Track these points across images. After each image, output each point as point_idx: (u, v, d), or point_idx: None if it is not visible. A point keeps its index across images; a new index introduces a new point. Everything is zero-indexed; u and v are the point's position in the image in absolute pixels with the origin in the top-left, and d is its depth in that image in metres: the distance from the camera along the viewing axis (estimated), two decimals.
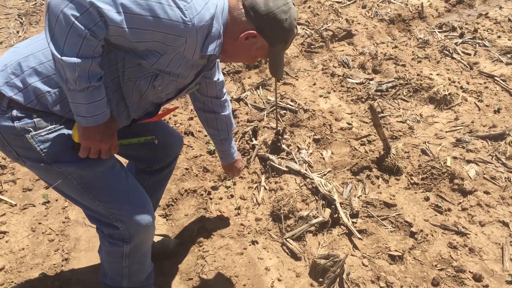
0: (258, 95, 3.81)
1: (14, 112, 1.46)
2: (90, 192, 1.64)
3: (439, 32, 4.80)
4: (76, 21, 1.23)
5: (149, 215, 1.77)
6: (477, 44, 4.47)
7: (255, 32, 1.54)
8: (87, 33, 1.25)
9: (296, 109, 3.52)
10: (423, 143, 3.17)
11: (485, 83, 3.86)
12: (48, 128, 1.51)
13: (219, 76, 1.99)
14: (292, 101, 3.65)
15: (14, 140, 1.51)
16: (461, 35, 4.65)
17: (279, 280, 2.31)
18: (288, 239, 2.49)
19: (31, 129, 1.49)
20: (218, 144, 2.29)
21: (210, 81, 1.96)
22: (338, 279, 2.21)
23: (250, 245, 2.52)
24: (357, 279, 2.25)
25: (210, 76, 1.94)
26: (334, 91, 3.90)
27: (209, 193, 2.85)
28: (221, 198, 2.83)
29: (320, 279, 2.27)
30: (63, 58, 1.28)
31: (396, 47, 4.57)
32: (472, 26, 4.85)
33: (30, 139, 1.49)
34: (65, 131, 1.55)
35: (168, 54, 1.43)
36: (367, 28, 4.97)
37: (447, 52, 4.34)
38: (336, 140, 3.27)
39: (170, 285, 2.31)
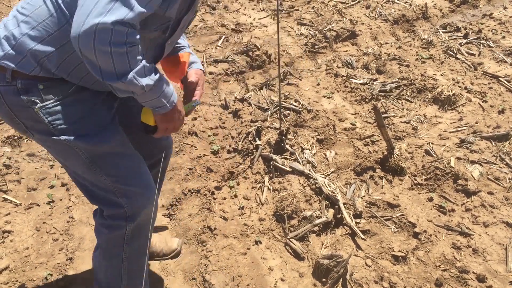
0: (262, 95, 3.81)
1: (19, 84, 1.45)
2: (98, 166, 1.63)
3: (443, 32, 4.79)
4: (112, 46, 1.27)
5: (154, 194, 1.78)
6: (481, 45, 4.46)
7: None
8: (126, 48, 1.29)
9: (300, 109, 3.52)
10: (427, 143, 3.17)
11: (489, 83, 3.85)
12: (55, 99, 1.50)
13: None
14: (295, 101, 3.65)
15: (21, 112, 1.50)
16: (465, 36, 4.64)
17: (282, 280, 2.32)
18: (291, 239, 2.50)
19: (38, 101, 1.48)
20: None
21: None
22: (341, 279, 2.22)
23: (253, 245, 2.52)
24: (360, 279, 2.25)
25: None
26: (338, 91, 3.90)
27: (213, 193, 2.86)
28: (224, 198, 2.83)
29: (323, 279, 2.27)
30: (123, 81, 1.33)
31: (400, 47, 4.56)
32: (477, 26, 4.83)
33: (37, 111, 1.48)
34: (74, 102, 1.54)
35: None
36: (371, 29, 4.97)
37: (451, 53, 4.33)
38: (339, 140, 3.26)
39: (174, 284, 2.31)
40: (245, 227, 2.62)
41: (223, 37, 4.76)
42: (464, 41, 4.54)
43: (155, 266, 2.42)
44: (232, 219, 2.68)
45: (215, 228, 2.60)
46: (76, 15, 1.26)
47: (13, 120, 1.55)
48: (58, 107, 1.51)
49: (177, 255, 2.46)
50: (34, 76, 1.46)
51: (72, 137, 1.54)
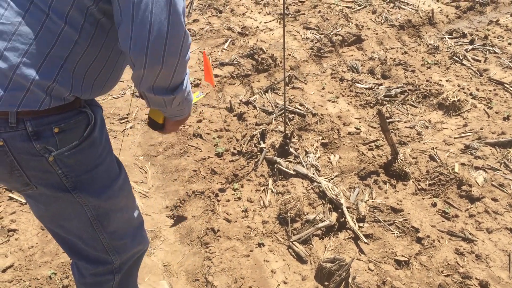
0: (267, 98, 3.83)
1: (30, 126, 1.20)
2: (101, 224, 1.48)
3: (449, 38, 4.79)
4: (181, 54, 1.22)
5: (145, 240, 1.72)
6: (487, 51, 4.46)
7: None
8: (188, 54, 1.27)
9: (305, 113, 3.53)
10: (431, 149, 3.17)
11: (494, 90, 3.84)
12: (71, 145, 1.29)
13: None
14: (300, 105, 3.66)
15: (29, 161, 1.26)
16: (471, 42, 4.63)
17: (285, 283, 2.32)
18: (294, 242, 2.50)
19: (53, 148, 1.26)
20: None
21: None
22: (343, 283, 2.22)
23: (256, 247, 2.53)
24: (362, 283, 2.25)
25: None
26: (343, 95, 3.91)
27: (217, 195, 2.87)
28: (228, 200, 2.84)
29: (326, 283, 2.27)
30: (174, 94, 1.31)
31: (405, 52, 4.57)
32: (483, 32, 4.83)
33: (51, 161, 1.26)
34: (89, 146, 1.35)
35: None
36: (376, 34, 4.98)
37: (457, 59, 4.33)
38: (344, 144, 3.27)
39: (177, 285, 2.32)
40: (248, 230, 2.63)
41: (229, 40, 4.78)
42: (470, 47, 4.54)
43: (158, 266, 2.43)
44: (236, 221, 2.69)
45: (218, 230, 2.61)
46: (134, 26, 1.13)
47: (13, 173, 1.28)
48: (74, 155, 1.31)
49: None
50: (45, 111, 1.22)
51: (85, 192, 1.38)
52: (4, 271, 2.40)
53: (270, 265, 2.42)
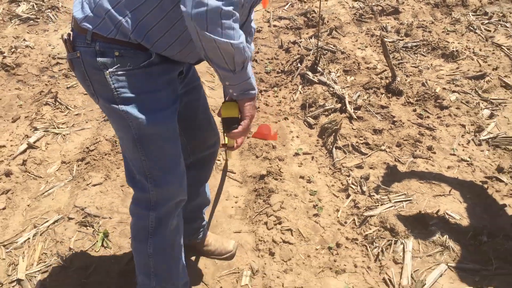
0: (310, 42, 5.02)
1: (98, 46, 1.49)
2: (142, 146, 1.63)
3: (472, 15, 5.72)
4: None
5: (184, 191, 1.81)
6: (499, 25, 5.35)
7: None
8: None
9: (336, 51, 4.68)
10: (425, 80, 4.21)
11: (493, 50, 4.78)
12: (127, 68, 1.53)
13: None
14: (334, 46, 4.81)
15: (94, 74, 1.54)
16: (490, 18, 5.54)
17: (297, 137, 3.52)
18: (308, 117, 3.69)
19: (110, 65, 1.51)
20: None
21: None
22: (333, 134, 3.38)
23: (283, 120, 3.74)
24: (345, 134, 3.41)
25: None
26: (371, 46, 5.01)
27: (261, 91, 4.11)
28: (268, 96, 4.07)
29: (323, 136, 3.45)
30: (241, 43, 1.40)
31: (432, 23, 5.56)
32: (504, 14, 5.70)
33: (107, 75, 1.51)
34: (143, 75, 1.57)
35: None
36: (413, 9, 5.98)
37: (472, 28, 5.27)
38: (360, 73, 4.39)
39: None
40: (279, 111, 3.85)
41: (289, 3, 6.02)
42: (487, 21, 5.46)
43: None
44: (272, 106, 3.92)
45: (258, 107, 3.85)
46: None
47: (85, 82, 1.58)
48: (127, 76, 1.53)
49: (231, 257, 2.45)
50: (111, 39, 1.49)
51: (130, 109, 1.56)
52: None
53: (290, 128, 3.63)
